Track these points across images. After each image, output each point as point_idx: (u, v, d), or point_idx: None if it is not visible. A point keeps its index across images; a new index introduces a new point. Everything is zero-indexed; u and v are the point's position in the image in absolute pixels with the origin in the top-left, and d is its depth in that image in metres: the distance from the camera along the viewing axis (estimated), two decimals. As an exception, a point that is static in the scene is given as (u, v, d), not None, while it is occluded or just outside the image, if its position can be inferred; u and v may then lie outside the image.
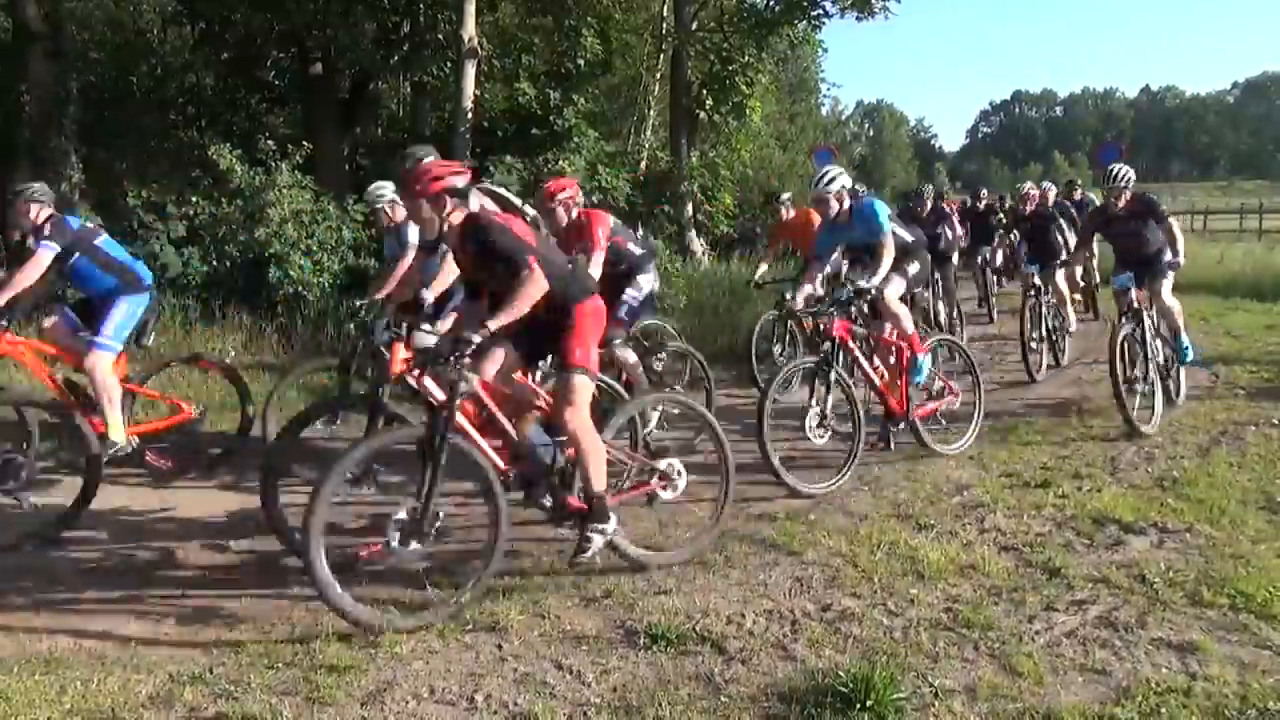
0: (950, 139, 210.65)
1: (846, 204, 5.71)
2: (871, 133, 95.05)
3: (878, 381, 5.66)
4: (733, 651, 3.18)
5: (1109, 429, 6.17)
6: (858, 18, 15.71)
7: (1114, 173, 6.65)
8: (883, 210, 5.75)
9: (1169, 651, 3.13)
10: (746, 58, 15.09)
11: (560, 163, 11.64)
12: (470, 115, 11.85)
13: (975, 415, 6.05)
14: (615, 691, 2.93)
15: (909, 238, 6.07)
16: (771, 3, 15.36)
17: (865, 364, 5.62)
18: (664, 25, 15.70)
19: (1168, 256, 6.58)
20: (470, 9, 11.60)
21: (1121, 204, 6.60)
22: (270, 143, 9.87)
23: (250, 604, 3.70)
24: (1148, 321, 6.37)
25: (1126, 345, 6.23)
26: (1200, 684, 2.90)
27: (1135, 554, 4.01)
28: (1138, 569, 3.81)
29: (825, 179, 5.74)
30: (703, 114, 15.29)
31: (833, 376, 5.33)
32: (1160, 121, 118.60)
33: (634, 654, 3.18)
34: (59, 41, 11.69)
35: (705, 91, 15.20)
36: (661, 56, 15.93)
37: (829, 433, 5.28)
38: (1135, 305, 6.32)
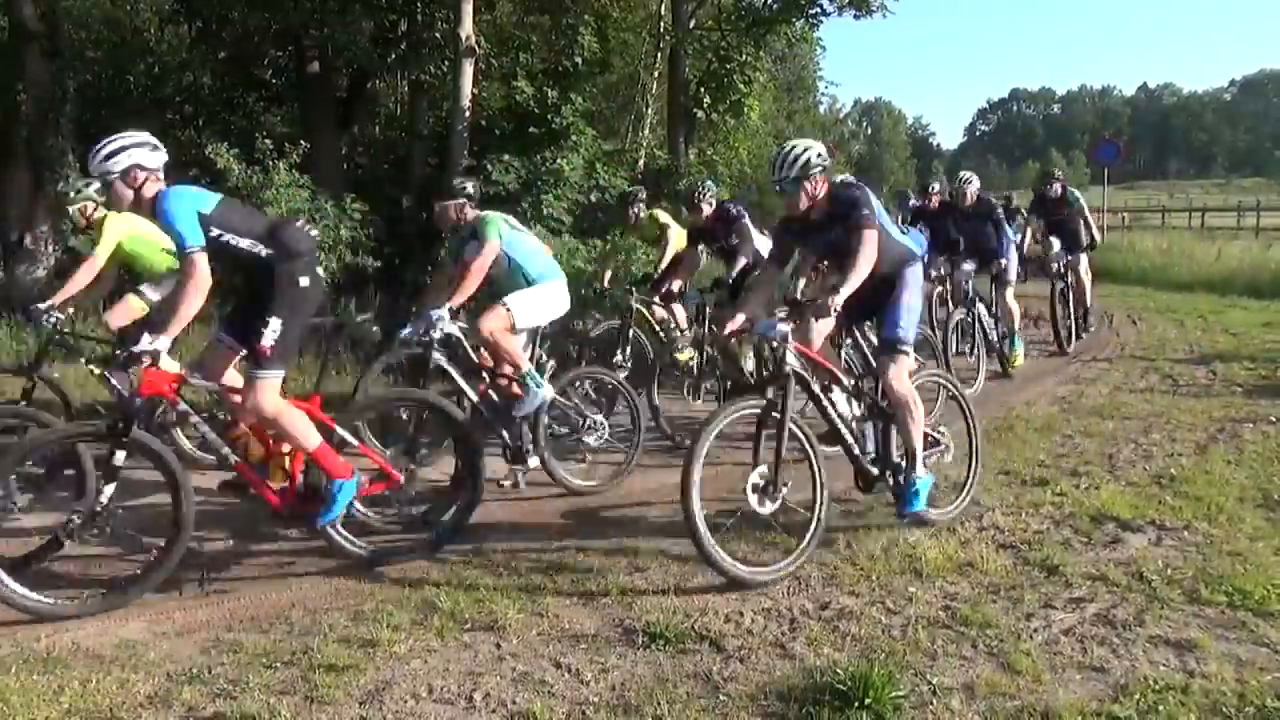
0: (948, 137, 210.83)
1: None
2: (870, 131, 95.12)
3: (233, 459, 3.88)
4: (731, 650, 3.18)
5: (1105, 426, 6.17)
6: (855, 16, 15.75)
7: (786, 156, 4.10)
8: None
9: (1167, 649, 3.14)
10: (744, 56, 15.11)
11: (558, 161, 11.63)
12: (468, 114, 11.84)
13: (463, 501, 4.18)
14: (614, 690, 2.93)
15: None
16: (769, 1, 15.35)
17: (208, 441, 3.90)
18: (662, 23, 15.71)
19: (899, 306, 4.23)
20: (468, 7, 11.58)
21: (810, 207, 4.18)
22: (267, 142, 9.85)
23: (249, 603, 3.69)
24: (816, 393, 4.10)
25: (763, 426, 3.88)
26: (1198, 681, 2.90)
27: (1133, 552, 4.01)
28: (1136, 567, 3.81)
29: None
30: (700, 112, 15.32)
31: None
32: (1158, 119, 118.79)
33: (632, 652, 3.18)
34: (56, 40, 11.68)
35: (703, 90, 15.23)
36: (659, 55, 15.95)
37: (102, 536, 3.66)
38: (798, 369, 4.00)
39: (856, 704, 2.73)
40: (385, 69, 14.17)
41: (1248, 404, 6.79)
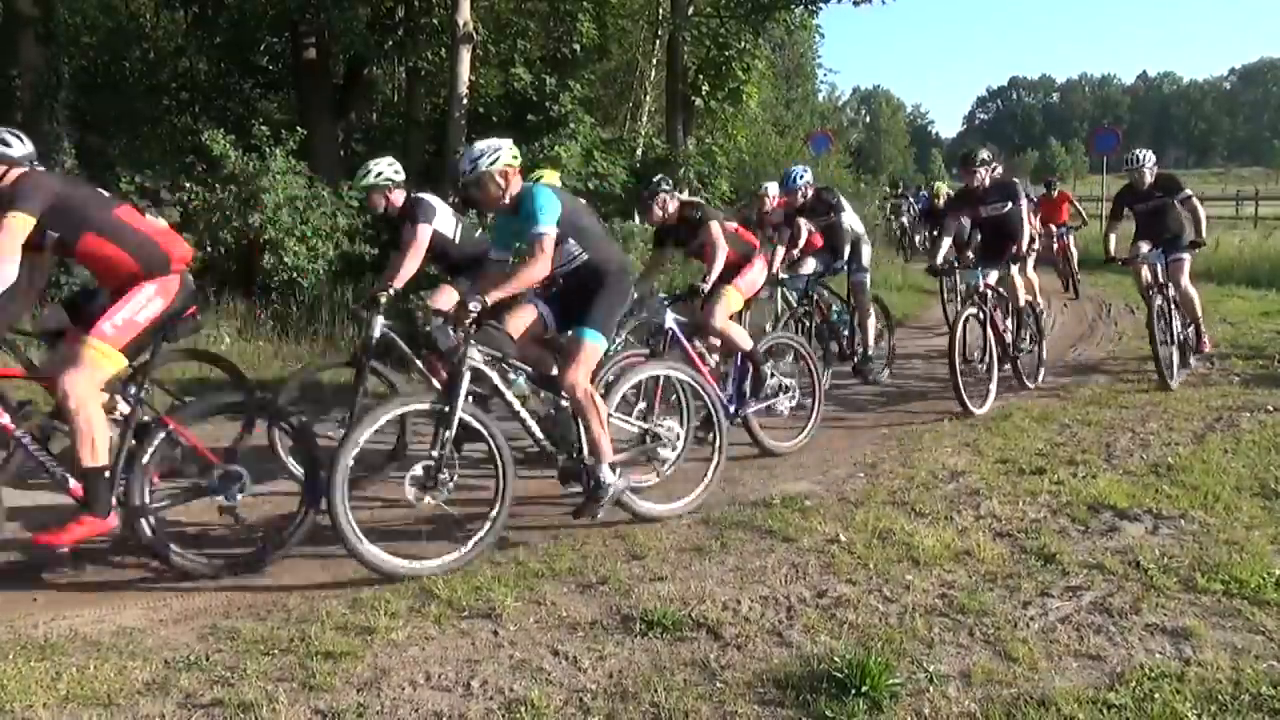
0: (947, 125, 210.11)
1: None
2: (868, 119, 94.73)
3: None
4: (728, 638, 3.18)
5: (1103, 415, 6.17)
6: (854, 2, 15.65)
7: None
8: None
9: (1163, 637, 3.14)
10: (743, 43, 15.04)
11: (556, 149, 11.59)
12: (465, 101, 11.79)
13: None
14: (611, 678, 2.94)
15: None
16: (768, -13, 15.26)
17: None
18: (660, 10, 15.62)
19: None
20: (465, -7, 11.52)
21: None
22: (264, 128, 9.80)
23: (247, 591, 3.69)
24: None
25: None
26: (1194, 669, 2.90)
27: (1130, 540, 4.02)
28: (1132, 555, 3.82)
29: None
30: (699, 100, 15.25)
31: None
32: (1157, 108, 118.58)
33: (630, 640, 3.18)
34: (51, 25, 11.58)
35: (701, 77, 15.16)
36: (658, 42, 15.90)
37: None
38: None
39: (853, 691, 2.73)
40: (382, 55, 14.09)
41: (1245, 393, 6.80)
